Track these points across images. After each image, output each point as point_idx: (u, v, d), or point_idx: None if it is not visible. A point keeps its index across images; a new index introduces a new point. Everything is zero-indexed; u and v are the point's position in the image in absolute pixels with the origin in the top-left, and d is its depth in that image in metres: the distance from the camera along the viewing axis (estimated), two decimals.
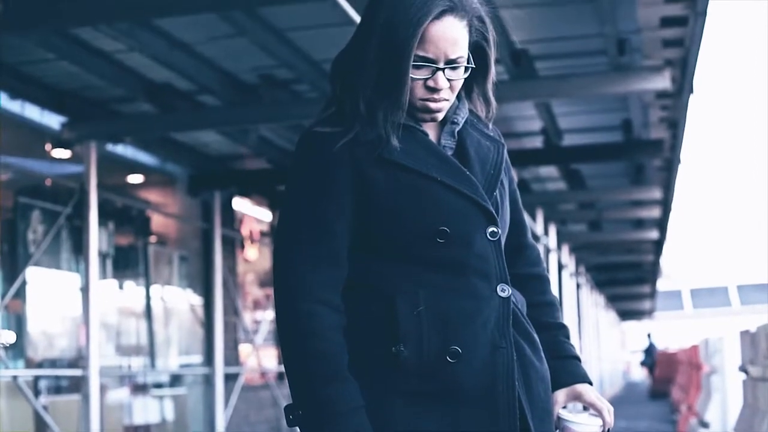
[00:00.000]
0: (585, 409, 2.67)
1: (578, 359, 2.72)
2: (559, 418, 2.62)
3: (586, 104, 13.08)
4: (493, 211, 2.55)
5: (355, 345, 2.48)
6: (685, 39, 10.19)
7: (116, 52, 10.16)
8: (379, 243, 2.52)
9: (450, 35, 2.50)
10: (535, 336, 2.61)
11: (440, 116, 2.58)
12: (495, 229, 2.54)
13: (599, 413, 2.62)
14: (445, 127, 2.62)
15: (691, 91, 11.72)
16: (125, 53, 10.18)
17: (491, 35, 2.61)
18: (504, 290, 2.53)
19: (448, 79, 2.53)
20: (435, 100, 2.53)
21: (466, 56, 2.55)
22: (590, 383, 2.69)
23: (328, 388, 2.42)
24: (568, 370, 2.68)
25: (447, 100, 2.55)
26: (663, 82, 10.58)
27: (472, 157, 2.59)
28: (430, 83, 2.51)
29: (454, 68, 2.53)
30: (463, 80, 2.58)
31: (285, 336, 2.50)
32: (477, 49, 2.60)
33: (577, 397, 2.67)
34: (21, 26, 8.39)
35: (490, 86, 2.68)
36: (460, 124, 2.63)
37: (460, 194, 2.51)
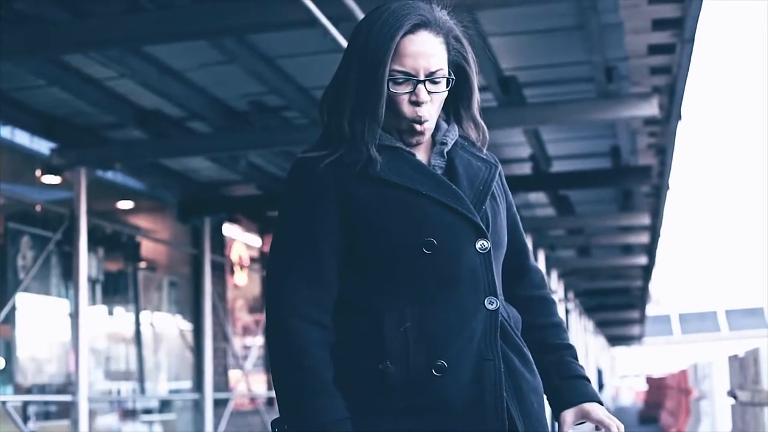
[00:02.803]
0: (597, 429, 2.66)
1: (586, 379, 2.70)
2: None
3: (575, 131, 13.13)
4: (482, 225, 2.55)
5: (344, 362, 2.50)
6: (673, 66, 10.25)
7: (107, 78, 10.19)
8: (367, 260, 2.54)
9: (425, 48, 2.54)
10: (526, 350, 2.61)
11: (423, 139, 2.60)
12: (484, 242, 2.54)
13: (608, 431, 2.60)
14: (434, 148, 2.64)
15: (679, 117, 11.78)
16: (116, 80, 10.21)
17: (470, 55, 2.65)
18: (492, 303, 2.53)
19: (429, 92, 2.55)
20: (420, 120, 2.55)
21: (446, 70, 2.58)
22: (600, 402, 2.66)
23: (313, 401, 2.45)
24: (575, 389, 2.67)
25: (429, 120, 2.58)
26: (651, 109, 10.65)
27: (460, 175, 2.61)
28: (413, 97, 2.54)
29: (435, 82, 2.56)
30: (445, 94, 2.60)
31: (273, 352, 2.53)
32: (458, 69, 2.63)
33: (585, 416, 2.64)
34: (12, 53, 8.42)
35: (476, 108, 2.70)
36: (449, 145, 2.64)
37: (446, 207, 2.52)
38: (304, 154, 2.61)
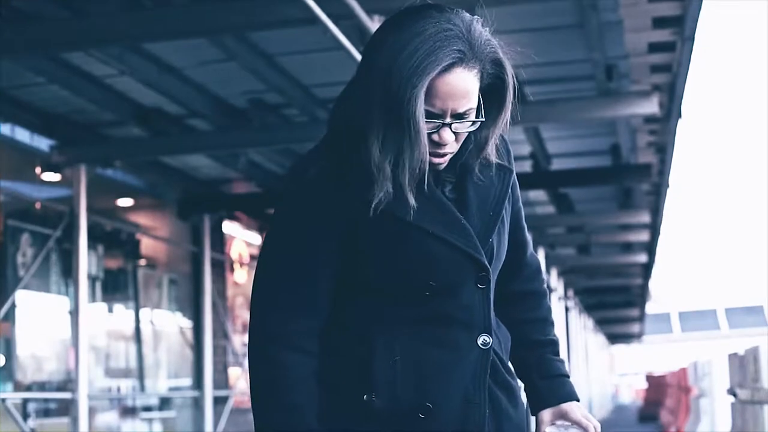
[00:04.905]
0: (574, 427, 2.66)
1: (566, 376, 2.68)
2: None
3: (575, 129, 13.13)
4: (486, 262, 2.46)
5: (328, 387, 2.43)
6: (673, 64, 10.25)
7: (106, 76, 10.19)
8: (362, 289, 2.45)
9: (456, 90, 2.33)
10: (513, 381, 2.57)
11: (442, 167, 2.44)
12: (485, 278, 2.47)
13: (585, 431, 2.60)
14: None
15: (679, 115, 11.78)
16: (115, 77, 10.21)
17: (509, 78, 2.44)
18: (485, 342, 2.47)
19: (454, 132, 2.38)
20: (438, 155, 2.40)
21: (476, 107, 2.39)
22: (577, 400, 2.65)
23: None
24: (553, 389, 2.64)
25: (451, 153, 2.43)
26: (651, 107, 10.65)
27: (470, 197, 2.49)
28: (435, 137, 2.36)
29: (462, 121, 2.38)
30: (470, 130, 2.42)
31: (256, 383, 2.43)
32: (491, 91, 2.44)
33: (562, 416, 2.63)
34: (11, 50, 8.43)
35: (492, 134, 2.51)
36: (464, 156, 2.49)
37: (452, 246, 2.41)
38: (311, 168, 2.43)
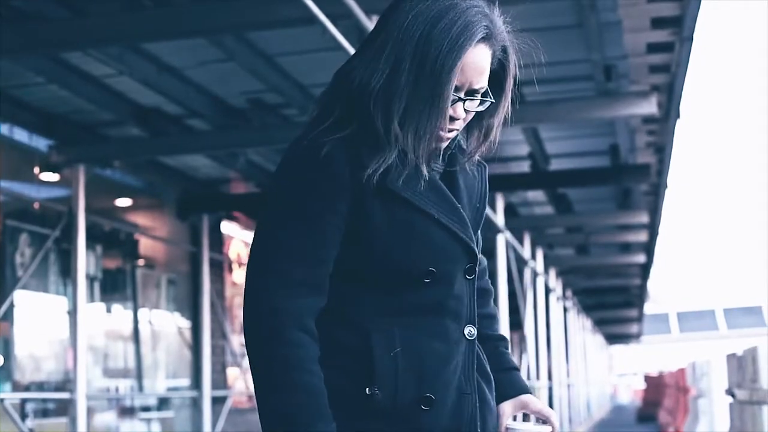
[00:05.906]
0: (525, 417, 2.68)
1: (518, 370, 2.69)
2: (507, 429, 2.60)
3: (574, 129, 13.13)
4: (477, 251, 2.46)
5: (327, 380, 2.32)
6: (672, 64, 10.26)
7: (105, 76, 10.19)
8: (360, 274, 2.37)
9: (480, 64, 2.34)
10: (490, 372, 2.57)
11: (444, 146, 2.42)
12: (474, 269, 2.46)
13: (548, 419, 2.60)
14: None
15: (678, 116, 11.79)
16: (114, 77, 10.22)
17: (512, 68, 2.46)
18: (471, 333, 2.46)
19: (465, 110, 2.37)
20: (447, 130, 2.36)
21: (486, 87, 2.39)
22: (531, 393, 2.66)
23: (314, 427, 2.27)
24: (512, 382, 2.64)
25: (457, 130, 2.40)
26: (650, 107, 10.65)
27: (460, 188, 2.48)
28: (450, 111, 2.33)
29: (473, 99, 2.37)
30: (477, 111, 2.42)
31: (265, 365, 2.29)
32: (493, 77, 2.43)
33: (524, 407, 2.63)
34: (11, 50, 8.43)
35: (497, 122, 2.49)
36: (452, 148, 2.47)
37: (451, 233, 2.39)
38: (322, 142, 2.31)
